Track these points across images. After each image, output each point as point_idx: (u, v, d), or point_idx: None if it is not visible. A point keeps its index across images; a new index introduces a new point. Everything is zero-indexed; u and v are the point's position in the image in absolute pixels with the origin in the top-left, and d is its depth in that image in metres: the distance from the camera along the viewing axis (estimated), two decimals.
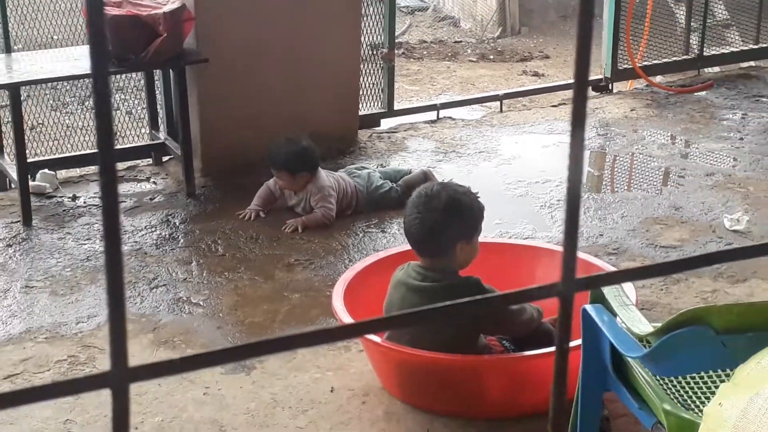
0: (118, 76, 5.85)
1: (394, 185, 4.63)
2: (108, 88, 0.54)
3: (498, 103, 6.32)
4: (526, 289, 0.59)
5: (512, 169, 5.19)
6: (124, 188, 4.92)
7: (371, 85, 5.82)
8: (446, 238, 2.91)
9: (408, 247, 3.13)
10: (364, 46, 5.56)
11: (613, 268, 3.42)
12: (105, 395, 3.13)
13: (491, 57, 8.56)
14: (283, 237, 4.36)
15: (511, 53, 8.66)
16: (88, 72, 4.51)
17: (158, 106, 5.17)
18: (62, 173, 5.11)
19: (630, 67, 6.23)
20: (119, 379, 0.56)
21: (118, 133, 5.80)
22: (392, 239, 4.38)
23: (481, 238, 3.08)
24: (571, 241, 0.57)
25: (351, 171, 4.70)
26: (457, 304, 0.57)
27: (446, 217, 2.90)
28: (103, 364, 3.38)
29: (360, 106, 5.57)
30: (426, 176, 4.62)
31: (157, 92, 5.16)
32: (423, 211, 2.90)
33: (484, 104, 6.39)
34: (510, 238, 4.29)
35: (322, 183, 4.51)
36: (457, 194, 2.96)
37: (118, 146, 5.24)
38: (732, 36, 6.74)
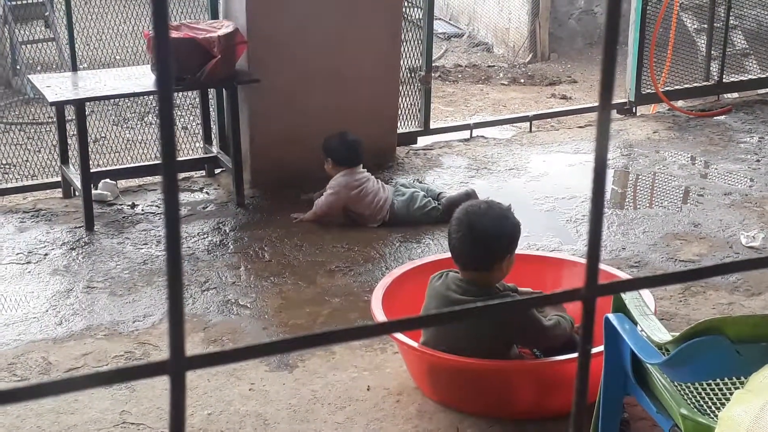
0: (174, 94, 5.66)
1: (437, 204, 4.59)
2: (172, 106, 0.55)
3: (528, 123, 6.32)
4: (552, 294, 0.59)
5: (540, 185, 5.18)
6: (179, 197, 4.84)
7: (409, 106, 5.83)
8: (493, 253, 2.87)
9: (442, 256, 3.16)
10: (404, 69, 5.58)
11: None
12: (159, 389, 3.21)
13: (522, 81, 8.57)
14: (325, 245, 4.36)
15: (540, 77, 8.66)
16: (149, 89, 4.58)
17: (212, 123, 5.21)
18: (122, 183, 5.17)
19: (653, 92, 6.21)
20: (177, 367, 0.57)
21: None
22: (426, 249, 4.37)
23: None
24: (594, 249, 0.58)
25: (398, 189, 4.66)
26: (488, 305, 0.57)
27: (496, 234, 2.86)
28: (157, 359, 3.37)
29: (398, 124, 5.59)
30: (469, 196, 4.59)
31: (210, 109, 5.19)
32: (472, 228, 2.85)
33: (514, 125, 6.38)
34: (537, 250, 4.27)
35: (336, 181, 4.53)
36: (504, 211, 2.93)
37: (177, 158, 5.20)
38: (750, 64, 6.68)
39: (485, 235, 2.84)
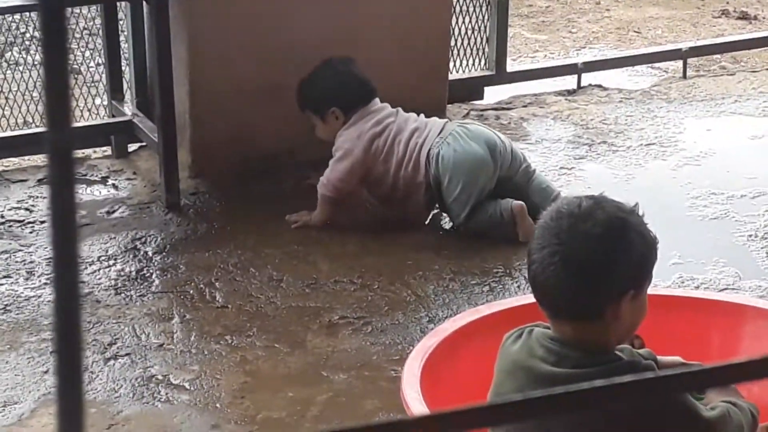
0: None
1: (501, 204, 4.54)
2: (65, 31, 0.58)
3: (680, 63, 6.13)
4: (726, 365, 0.64)
5: (701, 173, 5.07)
6: (75, 194, 4.57)
7: (469, 32, 5.72)
8: (606, 287, 2.78)
9: (530, 299, 3.03)
10: None
11: None
12: None
13: None
14: (321, 277, 4.33)
15: None
16: (17, 4, 4.67)
17: (123, 62, 5.15)
18: None
19: None
20: None
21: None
22: (500, 287, 4.36)
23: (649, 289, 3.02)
24: None
25: (457, 132, 4.59)
26: (609, 386, 0.62)
27: (608, 252, 2.77)
28: None
29: (451, 65, 5.52)
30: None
31: (121, 39, 5.14)
32: (566, 242, 2.75)
33: (656, 65, 6.21)
34: (697, 288, 4.21)
35: (348, 132, 4.63)
36: (623, 213, 2.82)
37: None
38: None
39: (592, 252, 2.76)
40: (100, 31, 5.19)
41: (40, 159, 5.12)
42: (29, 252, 4.40)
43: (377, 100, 4.69)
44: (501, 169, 4.59)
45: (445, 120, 4.71)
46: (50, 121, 0.54)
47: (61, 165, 0.56)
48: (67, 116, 0.56)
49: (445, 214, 4.72)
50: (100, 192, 4.93)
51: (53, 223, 0.57)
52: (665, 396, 2.49)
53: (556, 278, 2.77)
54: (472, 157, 4.56)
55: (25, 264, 4.39)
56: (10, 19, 6.04)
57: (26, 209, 4.80)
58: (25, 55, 6.18)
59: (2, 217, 4.77)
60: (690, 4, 7.86)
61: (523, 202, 4.52)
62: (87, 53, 6.03)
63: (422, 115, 4.69)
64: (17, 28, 6.31)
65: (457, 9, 5.61)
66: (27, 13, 5.49)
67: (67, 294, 0.57)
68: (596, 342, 2.78)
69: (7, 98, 5.86)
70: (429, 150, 4.59)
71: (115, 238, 4.58)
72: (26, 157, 5.12)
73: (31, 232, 4.54)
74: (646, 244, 2.78)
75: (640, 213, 2.84)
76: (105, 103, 5.30)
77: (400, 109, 4.69)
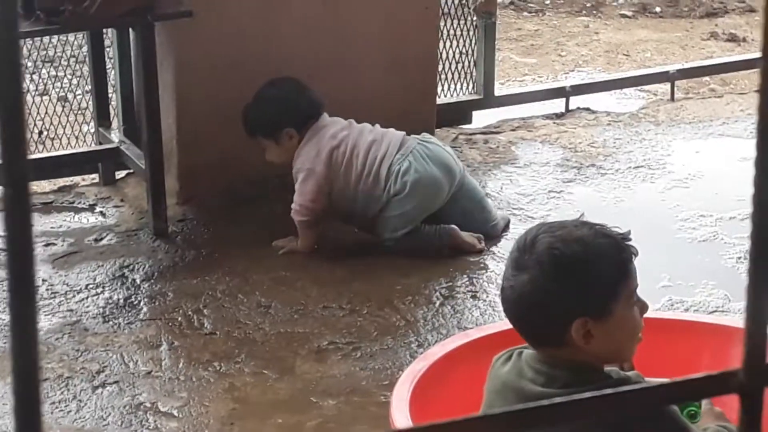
0: (45, 40, 5.82)
1: (440, 229, 4.61)
2: (18, 56, 0.55)
3: (668, 85, 6.15)
4: (688, 379, 0.65)
5: (690, 195, 5.11)
6: (52, 222, 4.94)
7: (458, 56, 5.75)
8: (546, 317, 2.79)
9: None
10: None
11: None
12: None
13: (657, 9, 8.30)
14: (310, 303, 4.36)
15: (690, 3, 8.38)
16: None
17: (110, 89, 5.16)
18: None
19: None
20: None
21: (45, 132, 5.75)
22: (490, 310, 4.37)
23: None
24: (757, 309, 0.63)
25: (420, 147, 4.64)
26: (595, 398, 0.64)
27: (539, 283, 2.77)
28: None
29: (439, 89, 5.54)
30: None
31: (108, 66, 5.14)
32: (511, 275, 2.79)
33: (644, 88, 6.24)
34: (686, 310, 4.22)
35: (306, 151, 4.62)
36: (563, 240, 2.81)
37: (45, 153, 5.25)
38: None
39: (526, 289, 2.77)
40: (87, 59, 5.20)
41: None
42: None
43: (326, 114, 4.63)
44: (450, 193, 4.63)
45: (402, 133, 4.67)
46: (5, 153, 0.54)
47: (18, 196, 0.56)
48: (22, 146, 0.56)
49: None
50: (87, 219, 4.94)
51: (10, 257, 0.56)
52: (649, 409, 2.47)
53: (509, 309, 2.83)
54: (431, 182, 4.55)
55: (3, 291, 4.40)
56: None
57: (3, 236, 4.81)
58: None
59: None
60: (679, 27, 7.90)
61: (455, 226, 4.53)
62: (74, 80, 6.05)
63: (377, 125, 4.66)
64: None
65: (445, 33, 5.62)
66: None
67: (24, 328, 0.57)
68: (580, 362, 2.78)
69: None
70: (390, 165, 4.54)
71: (102, 265, 4.58)
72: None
73: None
74: (590, 271, 2.77)
75: (621, 231, 2.81)
76: (92, 130, 5.29)
77: (352, 120, 4.65)
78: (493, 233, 4.69)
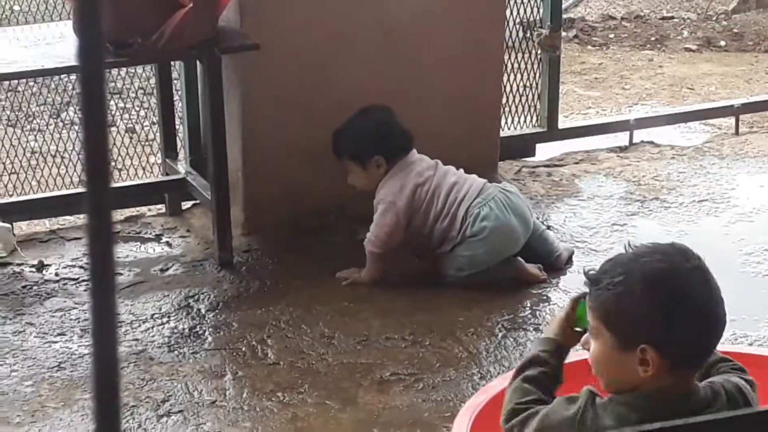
0: (113, 72, 5.81)
1: (505, 265, 4.63)
2: (103, 90, 0.57)
3: (732, 119, 6.10)
4: None
5: (754, 229, 5.06)
6: (119, 252, 5.03)
7: (521, 89, 5.74)
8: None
9: (583, 355, 2.98)
10: (511, 24, 5.54)
11: None
12: None
13: (722, 43, 8.25)
14: (372, 334, 4.34)
15: (755, 37, 8.32)
16: (68, 64, 4.55)
17: (177, 121, 5.16)
18: (22, 227, 5.17)
19: None
20: None
21: (113, 163, 5.95)
22: None
23: None
24: None
25: (502, 194, 4.63)
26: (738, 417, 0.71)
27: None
28: None
29: (503, 122, 5.52)
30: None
31: (176, 98, 5.15)
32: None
33: (709, 121, 6.20)
34: (750, 345, 4.17)
35: (392, 185, 4.62)
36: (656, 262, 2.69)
37: (113, 184, 5.07)
38: None
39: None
40: (155, 90, 5.22)
41: None
42: (83, 310, 4.42)
43: (415, 150, 4.65)
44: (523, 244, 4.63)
45: (484, 180, 4.68)
46: (89, 181, 0.55)
47: (99, 223, 0.58)
48: (106, 175, 0.57)
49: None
50: (153, 249, 4.96)
51: (92, 281, 0.57)
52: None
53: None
54: (509, 231, 4.54)
55: (79, 321, 4.41)
56: (66, 79, 6.09)
57: (80, 267, 4.83)
58: (77, 114, 6.30)
59: (57, 275, 4.77)
60: (743, 61, 7.84)
61: (519, 258, 4.51)
62: (142, 112, 6.13)
63: (461, 170, 4.67)
64: (73, 88, 6.34)
65: (509, 66, 5.60)
66: None
67: (104, 348, 0.58)
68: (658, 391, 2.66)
69: (62, 157, 5.90)
70: (468, 207, 4.54)
71: (168, 295, 4.59)
72: (81, 216, 5.15)
73: (85, 290, 4.55)
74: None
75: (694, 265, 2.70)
76: (159, 161, 5.30)
77: (439, 161, 4.66)
78: (557, 265, 4.67)
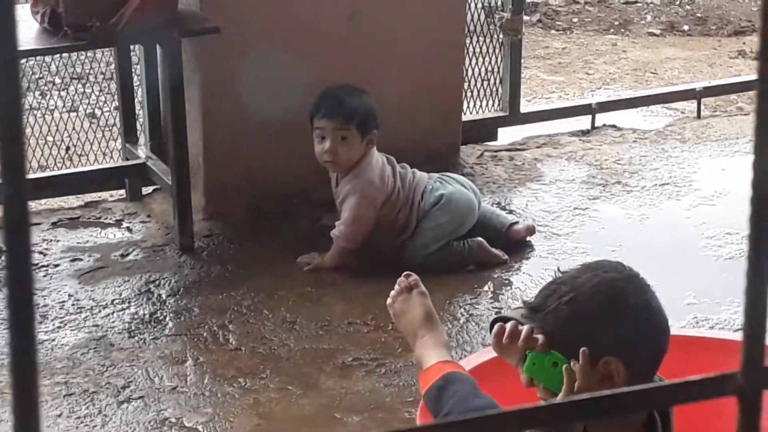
0: (72, 56, 5.75)
1: (469, 242, 4.63)
2: (18, 75, 0.56)
3: (694, 103, 6.16)
4: (685, 381, 0.66)
5: (716, 213, 5.10)
6: (79, 237, 4.94)
7: (483, 74, 5.78)
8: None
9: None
10: (473, 8, 5.56)
11: None
12: None
13: (685, 28, 8.28)
14: (335, 319, 4.37)
15: (718, 21, 8.37)
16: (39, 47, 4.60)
17: (137, 105, 5.20)
18: None
19: None
20: None
21: (73, 148, 5.79)
22: None
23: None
24: (756, 313, 0.63)
25: (436, 182, 4.67)
26: (585, 399, 0.64)
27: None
28: None
29: (465, 106, 5.56)
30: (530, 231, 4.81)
31: (135, 82, 5.20)
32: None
33: (671, 105, 6.27)
34: (711, 328, 4.23)
35: (371, 171, 4.60)
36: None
37: (73, 169, 5.31)
38: None
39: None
40: (114, 75, 5.24)
41: (55, 202, 5.14)
42: (42, 296, 4.41)
43: None
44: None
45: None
46: (5, 169, 0.55)
47: (15, 213, 0.57)
48: (21, 165, 0.56)
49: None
50: (114, 235, 4.96)
51: (9, 271, 0.56)
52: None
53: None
54: (464, 197, 4.58)
55: (37, 308, 4.38)
56: (26, 63, 6.11)
57: (40, 252, 4.81)
58: (41, 99, 6.25)
59: None
60: (707, 45, 7.90)
61: (482, 239, 4.55)
62: (102, 97, 6.11)
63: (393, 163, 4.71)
64: (32, 73, 6.38)
65: (471, 51, 5.64)
66: (42, 58, 5.54)
67: (22, 342, 0.58)
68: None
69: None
70: (423, 192, 4.56)
71: (128, 281, 4.61)
72: (41, 201, 5.13)
73: (44, 276, 4.55)
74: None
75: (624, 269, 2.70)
76: (119, 146, 5.33)
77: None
78: (513, 236, 4.69)
